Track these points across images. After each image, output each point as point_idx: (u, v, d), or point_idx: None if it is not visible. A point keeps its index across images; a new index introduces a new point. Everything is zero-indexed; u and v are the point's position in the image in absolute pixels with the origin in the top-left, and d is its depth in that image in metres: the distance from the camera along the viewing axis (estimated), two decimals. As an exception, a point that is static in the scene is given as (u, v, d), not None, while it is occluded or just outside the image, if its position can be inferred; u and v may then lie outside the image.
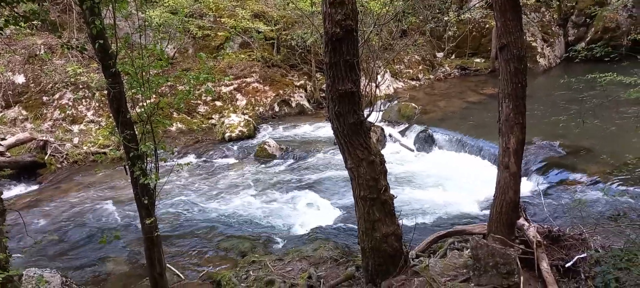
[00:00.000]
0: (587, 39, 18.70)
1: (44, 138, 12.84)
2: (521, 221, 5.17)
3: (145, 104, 4.75)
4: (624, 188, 8.05)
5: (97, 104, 14.36)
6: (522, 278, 4.61)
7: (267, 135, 14.07)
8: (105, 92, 4.65)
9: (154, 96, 5.05)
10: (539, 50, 18.98)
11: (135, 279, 6.97)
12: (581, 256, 4.88)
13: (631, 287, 4.20)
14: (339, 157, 5.35)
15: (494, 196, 5.16)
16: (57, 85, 14.40)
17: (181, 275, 6.86)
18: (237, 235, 8.14)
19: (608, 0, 18.59)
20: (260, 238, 8.04)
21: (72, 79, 14.25)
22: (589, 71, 8.09)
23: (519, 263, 4.69)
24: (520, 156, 4.98)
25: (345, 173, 5.21)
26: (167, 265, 6.32)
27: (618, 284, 4.32)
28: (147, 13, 12.65)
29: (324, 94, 15.19)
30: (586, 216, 6.33)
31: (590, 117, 7.92)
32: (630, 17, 17.43)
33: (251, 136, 13.84)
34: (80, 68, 14.18)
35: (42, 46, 14.95)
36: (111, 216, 9.38)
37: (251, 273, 6.32)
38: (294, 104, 16.18)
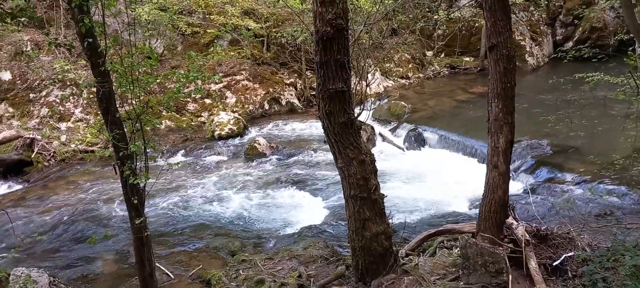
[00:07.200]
0: (574, 39, 18.87)
1: (31, 135, 12.66)
2: (510, 220, 5.21)
3: (134, 102, 4.71)
4: (610, 187, 8.15)
5: (85, 102, 14.21)
6: (510, 277, 4.64)
7: (257, 133, 14.04)
8: (94, 89, 4.59)
9: (144, 95, 5.01)
10: (528, 49, 19.13)
11: (125, 279, 6.92)
12: (569, 255, 4.92)
13: (618, 287, 4.23)
14: (330, 155, 5.35)
15: (483, 195, 5.19)
16: (44, 82, 14.22)
17: (171, 274, 6.83)
18: (227, 234, 8.12)
19: (595, 0, 18.77)
20: (251, 237, 8.03)
21: (60, 76, 14.09)
22: (577, 70, 8.20)
23: (507, 262, 4.72)
24: (509, 155, 5.01)
25: (336, 172, 5.22)
26: (157, 264, 6.28)
27: (605, 284, 4.35)
28: (136, 10, 12.54)
29: (314, 92, 15.18)
30: (574, 215, 6.40)
31: (577, 117, 7.99)
32: (618, 17, 17.57)
33: (241, 134, 13.79)
34: (67, 65, 14.03)
35: (28, 42, 14.77)
36: (100, 215, 9.29)
37: (241, 272, 6.31)
38: (284, 102, 16.15)
